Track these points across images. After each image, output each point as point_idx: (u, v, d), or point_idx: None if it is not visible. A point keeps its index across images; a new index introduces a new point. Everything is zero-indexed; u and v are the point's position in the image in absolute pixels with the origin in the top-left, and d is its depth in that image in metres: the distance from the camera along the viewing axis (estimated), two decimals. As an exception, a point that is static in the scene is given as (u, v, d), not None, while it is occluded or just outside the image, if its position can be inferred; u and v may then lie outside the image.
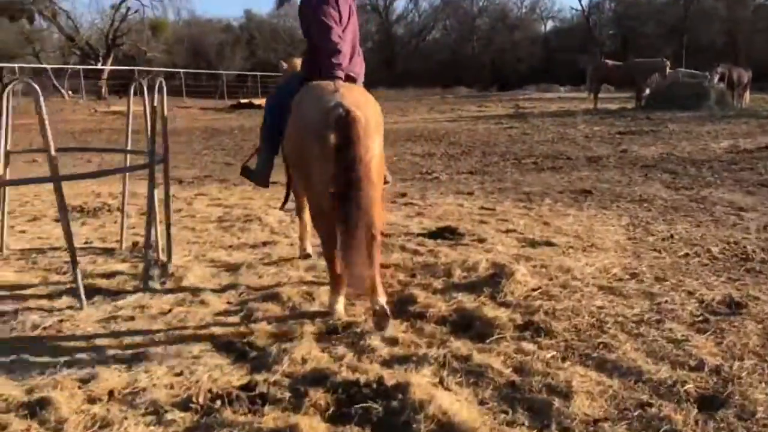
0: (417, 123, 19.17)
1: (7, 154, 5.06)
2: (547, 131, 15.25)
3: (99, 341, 3.67)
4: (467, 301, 4.17)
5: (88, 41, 40.69)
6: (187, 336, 3.72)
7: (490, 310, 3.96)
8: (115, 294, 4.43)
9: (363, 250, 3.51)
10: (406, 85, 51.23)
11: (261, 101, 33.84)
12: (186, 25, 59.24)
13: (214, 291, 4.49)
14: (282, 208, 5.29)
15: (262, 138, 4.58)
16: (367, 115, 3.66)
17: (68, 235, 4.17)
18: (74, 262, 4.15)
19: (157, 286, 4.56)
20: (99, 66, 36.90)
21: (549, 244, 5.56)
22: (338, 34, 4.11)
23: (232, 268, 4.98)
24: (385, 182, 4.47)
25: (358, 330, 3.74)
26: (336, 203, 3.51)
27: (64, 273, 4.95)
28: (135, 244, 5.73)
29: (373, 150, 3.69)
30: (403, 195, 8.04)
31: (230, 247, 5.70)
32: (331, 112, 3.55)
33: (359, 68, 4.37)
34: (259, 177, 4.57)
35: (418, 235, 5.97)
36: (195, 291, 4.46)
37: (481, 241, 5.69)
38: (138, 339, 3.70)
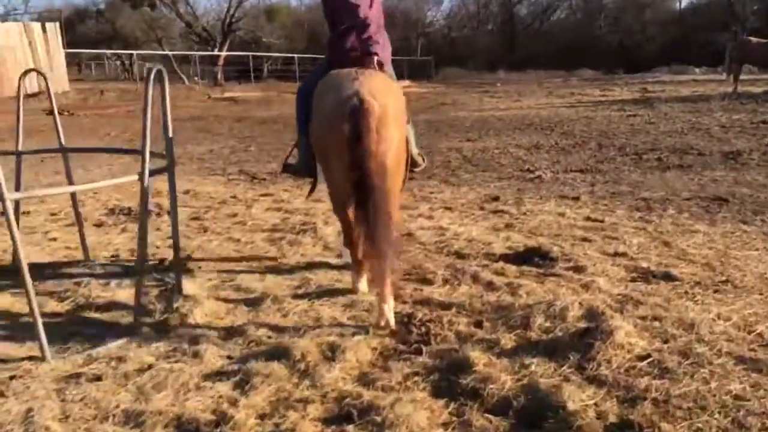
0: (530, 109, 17.67)
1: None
2: (677, 120, 13.43)
3: (38, 417, 2.77)
4: (544, 372, 3.00)
5: (206, 27, 41.24)
6: (151, 414, 2.75)
7: (574, 393, 2.78)
8: (98, 337, 3.56)
9: (381, 242, 3.43)
10: (527, 68, 49.23)
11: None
12: (308, 10, 59.56)
13: (218, 336, 3.52)
14: (308, 197, 4.85)
15: (297, 128, 4.35)
16: (385, 104, 3.59)
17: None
18: (30, 300, 3.26)
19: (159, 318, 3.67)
20: (215, 52, 37.21)
21: (668, 277, 4.25)
22: (365, 13, 4.07)
23: (255, 302, 4.01)
24: (414, 166, 4.49)
25: (379, 419, 2.66)
26: (352, 193, 3.52)
27: (66, 299, 4.16)
28: (162, 261, 4.88)
29: (391, 140, 3.61)
30: (495, 199, 6.84)
31: (266, 269, 4.73)
32: (346, 102, 3.52)
33: (386, 52, 4.25)
34: (302, 168, 4.39)
35: (500, 258, 4.80)
36: (195, 336, 3.52)
37: (579, 269, 4.45)
38: (88, 413, 2.79)
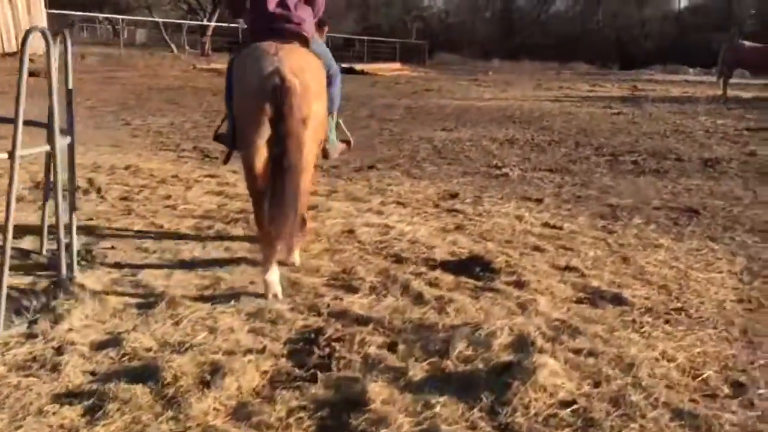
0: (515, 101, 17.21)
1: None
2: (661, 121, 12.98)
3: None
4: (449, 416, 2.56)
5: (195, -5, 40.41)
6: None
7: (477, 448, 2.35)
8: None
9: (292, 216, 3.50)
10: (522, 58, 48.70)
11: (363, 67, 32.52)
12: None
13: (89, 345, 3.05)
14: (225, 162, 4.72)
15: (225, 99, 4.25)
16: (306, 81, 3.60)
17: None
18: None
19: (24, 325, 3.19)
20: (204, 22, 36.40)
21: (618, 300, 3.81)
22: None
23: (150, 303, 3.53)
24: (324, 156, 4.61)
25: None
26: (269, 166, 3.58)
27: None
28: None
29: (311, 117, 3.65)
30: (454, 196, 6.39)
31: (178, 263, 4.26)
32: (267, 80, 3.51)
33: (310, 24, 4.00)
34: (228, 139, 4.27)
35: (439, 265, 4.34)
36: (63, 343, 3.04)
37: (521, 285, 4.00)
38: None
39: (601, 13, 58.52)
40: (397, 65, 36.16)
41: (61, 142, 3.55)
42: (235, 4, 4.35)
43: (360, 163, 7.83)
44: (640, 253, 4.76)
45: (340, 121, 4.84)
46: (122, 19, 35.66)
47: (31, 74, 5.06)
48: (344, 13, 54.91)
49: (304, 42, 3.93)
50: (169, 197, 5.93)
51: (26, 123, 3.23)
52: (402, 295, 3.80)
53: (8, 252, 3.13)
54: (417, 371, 2.89)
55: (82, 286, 3.63)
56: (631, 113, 14.22)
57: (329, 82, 4.16)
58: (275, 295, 3.68)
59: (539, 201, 6.31)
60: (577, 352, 3.10)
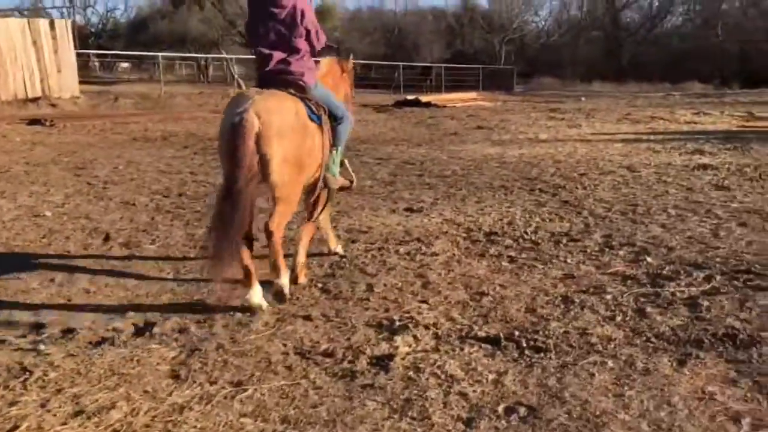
0: (571, 144, 12.85)
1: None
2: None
3: None
4: None
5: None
6: None
7: None
8: None
9: (232, 250, 3.85)
10: (628, 80, 43.57)
11: (432, 98, 28.69)
12: (393, 14, 55.95)
13: None
14: None
15: None
16: (269, 121, 3.98)
17: None
18: None
19: None
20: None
21: None
22: (269, 35, 4.50)
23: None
24: (349, 182, 5.30)
25: None
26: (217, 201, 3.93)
27: None
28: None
29: (275, 155, 4.02)
30: None
31: None
32: (229, 119, 3.98)
33: (304, 68, 4.54)
34: None
35: None
36: None
37: None
38: None
39: (720, 25, 51.97)
40: (472, 95, 32.09)
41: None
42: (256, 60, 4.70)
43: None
44: None
45: (346, 161, 5.27)
46: (160, 56, 33.23)
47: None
48: (432, 40, 51.43)
49: (301, 89, 4.50)
50: None
51: None
52: None
53: None
54: None
55: None
56: (724, 168, 9.62)
57: (338, 122, 4.79)
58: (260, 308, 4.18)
59: None
60: None
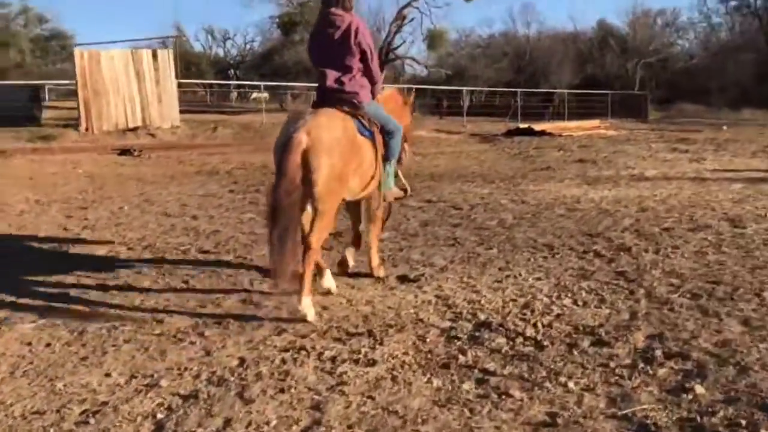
0: (669, 185, 10.51)
1: None
2: None
3: None
4: None
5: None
6: None
7: None
8: None
9: (286, 256, 4.08)
10: (786, 105, 38.92)
11: (546, 126, 26.41)
12: (523, 39, 53.74)
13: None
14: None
15: None
16: (318, 137, 4.23)
17: None
18: None
19: None
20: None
21: None
22: (326, 55, 4.79)
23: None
24: (404, 192, 5.59)
25: None
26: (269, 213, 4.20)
27: None
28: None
29: (322, 167, 4.23)
30: None
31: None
32: (283, 136, 4.31)
33: (363, 89, 4.79)
34: None
35: None
36: None
37: None
38: None
39: None
40: (595, 123, 29.35)
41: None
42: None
43: None
44: None
45: (399, 171, 5.45)
46: (262, 86, 32.72)
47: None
48: (563, 64, 48.70)
49: (354, 107, 4.72)
50: None
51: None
52: None
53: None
54: None
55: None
56: None
57: (389, 137, 4.98)
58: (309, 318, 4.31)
59: None
60: None
